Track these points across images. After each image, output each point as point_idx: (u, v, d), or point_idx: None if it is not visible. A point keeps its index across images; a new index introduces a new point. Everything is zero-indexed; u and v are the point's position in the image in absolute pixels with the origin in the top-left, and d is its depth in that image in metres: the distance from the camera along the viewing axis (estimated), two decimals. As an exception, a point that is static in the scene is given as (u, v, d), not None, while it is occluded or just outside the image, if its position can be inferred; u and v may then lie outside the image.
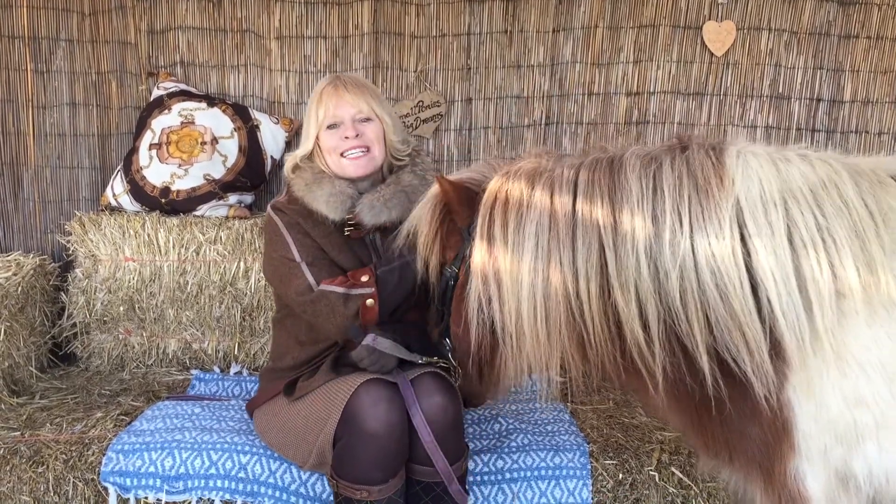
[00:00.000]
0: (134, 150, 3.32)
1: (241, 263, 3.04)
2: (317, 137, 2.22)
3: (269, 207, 2.28)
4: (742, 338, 1.49)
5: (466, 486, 2.16)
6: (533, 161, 1.71)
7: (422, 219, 1.87)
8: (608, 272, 1.55)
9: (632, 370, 1.61)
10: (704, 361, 1.51)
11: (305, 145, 2.25)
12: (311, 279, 2.12)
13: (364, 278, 2.08)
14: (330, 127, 2.20)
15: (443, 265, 1.86)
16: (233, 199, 3.24)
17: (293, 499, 2.22)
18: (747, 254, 1.49)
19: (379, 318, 2.08)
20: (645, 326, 1.54)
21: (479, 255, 1.67)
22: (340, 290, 2.08)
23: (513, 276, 1.61)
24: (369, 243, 2.23)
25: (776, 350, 1.51)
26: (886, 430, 1.50)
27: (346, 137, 2.18)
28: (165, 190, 3.19)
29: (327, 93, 2.20)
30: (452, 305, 1.85)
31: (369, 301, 2.06)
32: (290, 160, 2.28)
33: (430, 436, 2.00)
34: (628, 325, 1.55)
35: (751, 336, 1.48)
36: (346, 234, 2.19)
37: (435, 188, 1.83)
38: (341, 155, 2.19)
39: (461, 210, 1.77)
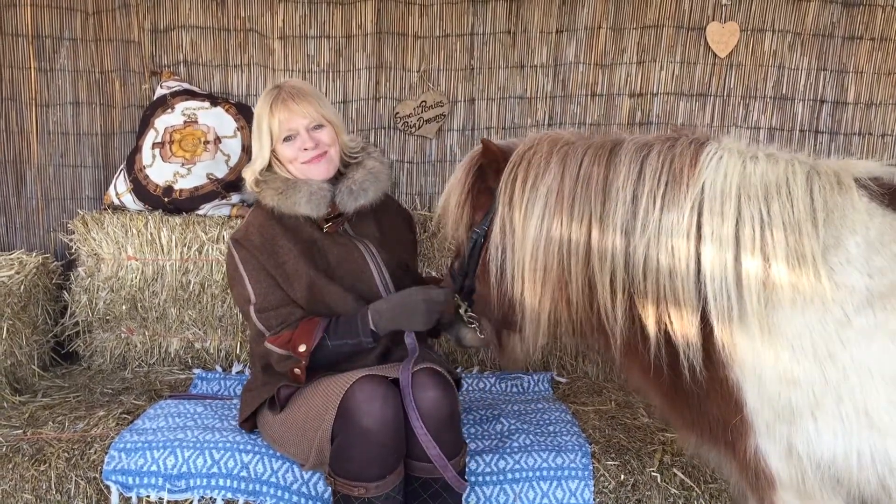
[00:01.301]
0: (137, 149, 3.32)
1: (244, 263, 3.04)
2: (273, 150, 2.30)
3: (229, 239, 2.32)
4: (678, 311, 1.67)
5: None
6: (562, 133, 1.89)
7: (455, 182, 2.02)
8: (591, 241, 1.73)
9: (600, 331, 1.81)
10: (651, 329, 1.70)
11: (261, 158, 2.31)
12: (261, 328, 2.23)
13: (301, 348, 2.16)
14: (286, 139, 2.27)
15: (471, 227, 2.00)
16: (235, 198, 3.24)
17: (295, 498, 2.22)
18: (699, 239, 1.65)
19: (306, 379, 2.19)
20: (612, 292, 1.73)
21: (501, 207, 1.84)
22: (281, 352, 2.20)
23: (523, 229, 1.80)
24: (342, 234, 2.34)
25: (707, 328, 1.65)
26: (821, 410, 1.59)
27: (306, 149, 2.26)
28: (168, 189, 3.19)
29: (277, 107, 2.27)
30: (480, 261, 1.99)
31: (297, 370, 2.18)
32: (250, 175, 2.32)
33: (422, 428, 2.01)
34: (600, 290, 1.73)
35: (685, 311, 1.66)
36: (325, 230, 2.31)
37: (476, 150, 1.99)
38: (303, 163, 2.28)
39: (501, 169, 1.90)
